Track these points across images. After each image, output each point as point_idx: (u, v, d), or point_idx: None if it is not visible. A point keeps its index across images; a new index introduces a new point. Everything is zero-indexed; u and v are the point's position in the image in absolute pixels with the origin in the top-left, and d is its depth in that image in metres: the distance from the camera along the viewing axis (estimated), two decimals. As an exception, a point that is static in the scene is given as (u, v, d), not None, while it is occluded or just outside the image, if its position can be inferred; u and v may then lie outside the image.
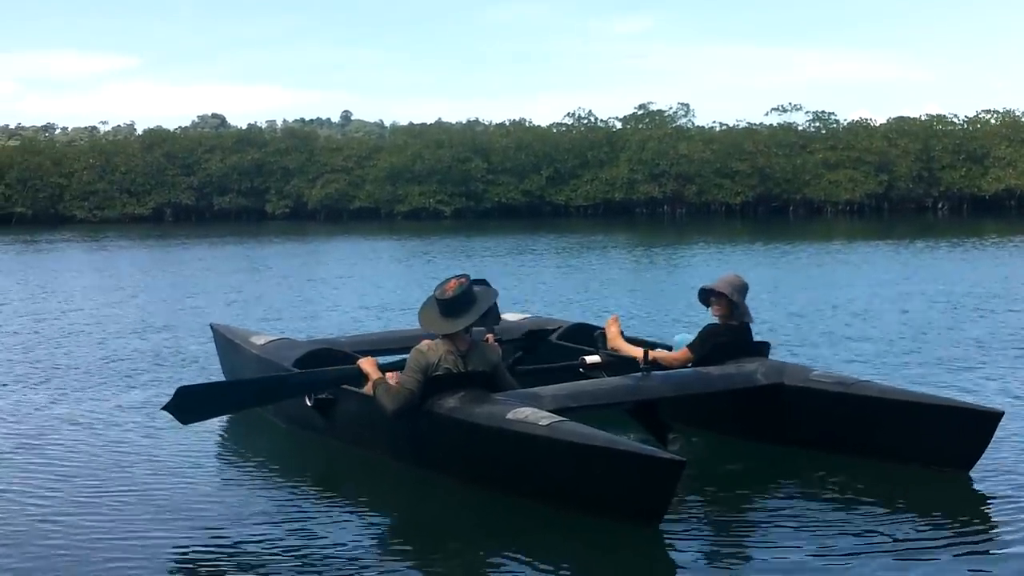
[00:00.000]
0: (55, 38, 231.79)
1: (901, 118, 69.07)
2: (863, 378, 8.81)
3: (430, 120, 75.43)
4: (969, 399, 8.78)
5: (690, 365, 8.67)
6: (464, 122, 78.67)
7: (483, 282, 8.45)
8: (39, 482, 7.82)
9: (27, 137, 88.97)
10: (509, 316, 10.07)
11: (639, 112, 69.10)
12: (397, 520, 7.30)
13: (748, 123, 70.23)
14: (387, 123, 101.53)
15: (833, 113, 69.63)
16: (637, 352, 8.63)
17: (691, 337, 8.98)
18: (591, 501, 6.72)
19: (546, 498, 6.97)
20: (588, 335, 10.08)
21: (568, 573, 6.09)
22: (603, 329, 9.46)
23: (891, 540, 6.35)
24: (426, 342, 7.84)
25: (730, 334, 8.71)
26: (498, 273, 25.87)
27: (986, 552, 6.18)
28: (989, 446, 7.62)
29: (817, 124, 68.91)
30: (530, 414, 7.06)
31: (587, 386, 8.17)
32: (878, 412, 7.92)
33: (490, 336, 8.90)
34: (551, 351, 9.85)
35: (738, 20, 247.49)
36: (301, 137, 71.59)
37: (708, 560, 6.19)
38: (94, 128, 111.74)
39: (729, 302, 8.65)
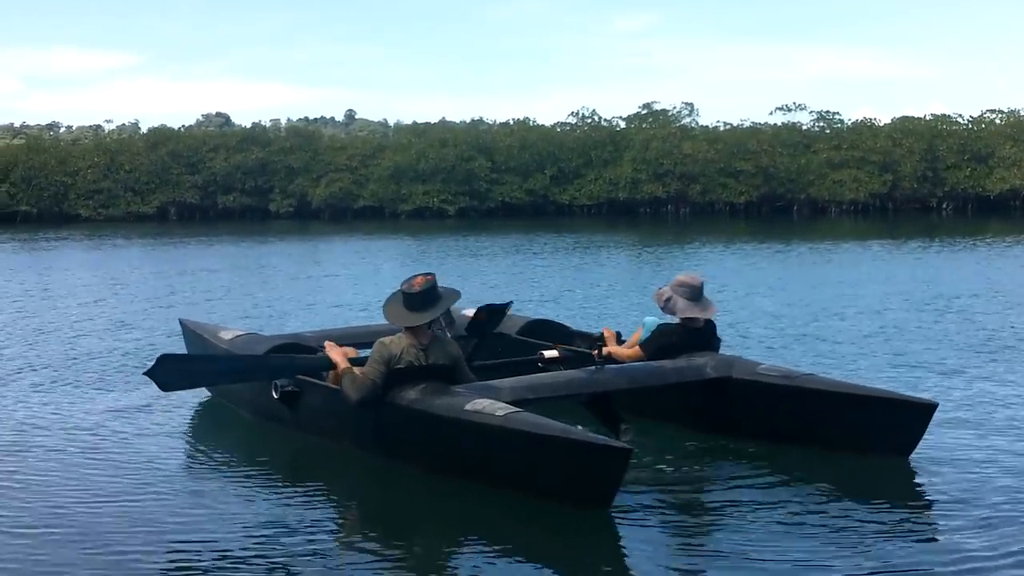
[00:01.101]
0: (58, 35, 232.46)
1: (906, 118, 68.83)
2: (808, 372, 9.21)
3: (434, 119, 75.59)
4: (910, 392, 9.17)
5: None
6: (468, 121, 78.66)
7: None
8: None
9: (32, 135, 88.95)
10: (468, 311, 10.30)
11: (643, 111, 69.00)
12: (361, 508, 7.62)
13: (752, 122, 70.11)
14: (391, 121, 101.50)
15: (837, 112, 69.39)
16: (622, 351, 9.22)
17: (656, 320, 9.47)
18: (544, 487, 7.09)
19: (502, 484, 7.32)
20: (547, 330, 10.67)
21: (522, 555, 6.39)
22: (566, 326, 10.48)
23: (832, 523, 6.72)
24: (389, 336, 8.20)
25: (682, 333, 9.10)
26: (493, 271, 25.89)
27: (922, 531, 6.66)
28: (925, 435, 8.09)
29: (821, 124, 68.67)
30: (487, 405, 7.43)
31: (543, 379, 8.60)
32: (821, 404, 8.30)
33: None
34: (512, 346, 10.32)
35: (742, 17, 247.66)
36: (305, 136, 71.54)
37: (655, 542, 6.56)
38: (99, 126, 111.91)
39: (668, 300, 9.08)
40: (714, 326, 9.30)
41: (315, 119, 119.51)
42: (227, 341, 10.16)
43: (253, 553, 6.44)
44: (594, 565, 6.29)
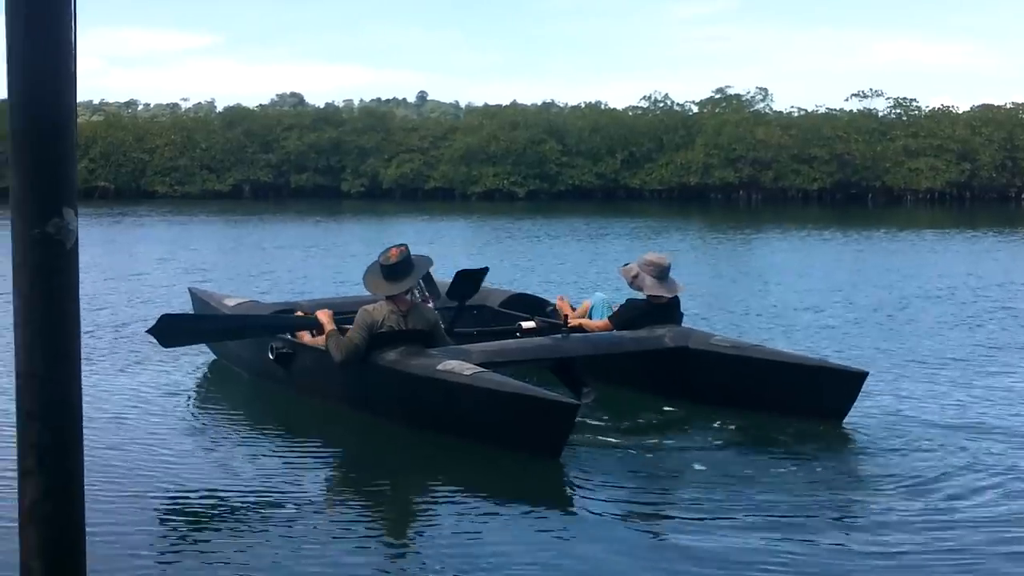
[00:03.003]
0: (138, 16, 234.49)
1: (986, 106, 68.00)
2: (756, 343, 10.22)
3: (505, 101, 75.63)
4: (845, 362, 9.91)
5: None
6: (539, 104, 78.67)
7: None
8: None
9: (111, 112, 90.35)
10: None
11: (716, 96, 68.72)
12: (344, 459, 8.37)
13: (827, 108, 69.52)
14: (463, 104, 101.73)
15: (915, 99, 68.77)
16: (593, 323, 10.10)
17: (604, 296, 10.51)
18: (504, 438, 7.93)
19: (469, 436, 8.15)
20: (527, 304, 11.61)
21: (484, 494, 7.18)
22: (546, 300, 11.33)
23: (770, 478, 7.38)
24: (372, 304, 8.98)
25: (648, 308, 9.83)
26: (561, 254, 25.97)
27: (853, 484, 7.39)
28: (857, 401, 8.83)
29: (898, 111, 67.97)
30: (456, 366, 8.26)
31: (510, 344, 9.44)
32: (766, 372, 9.10)
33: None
34: (494, 317, 11.30)
35: (818, 3, 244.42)
36: (378, 116, 72.12)
37: (601, 487, 7.25)
38: (175, 105, 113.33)
39: (636, 277, 9.85)
40: (678, 302, 9.99)
41: (387, 100, 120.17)
42: (230, 307, 11.01)
43: (247, 499, 7.01)
44: (552, 507, 7.00)
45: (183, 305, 13.73)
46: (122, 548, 6.07)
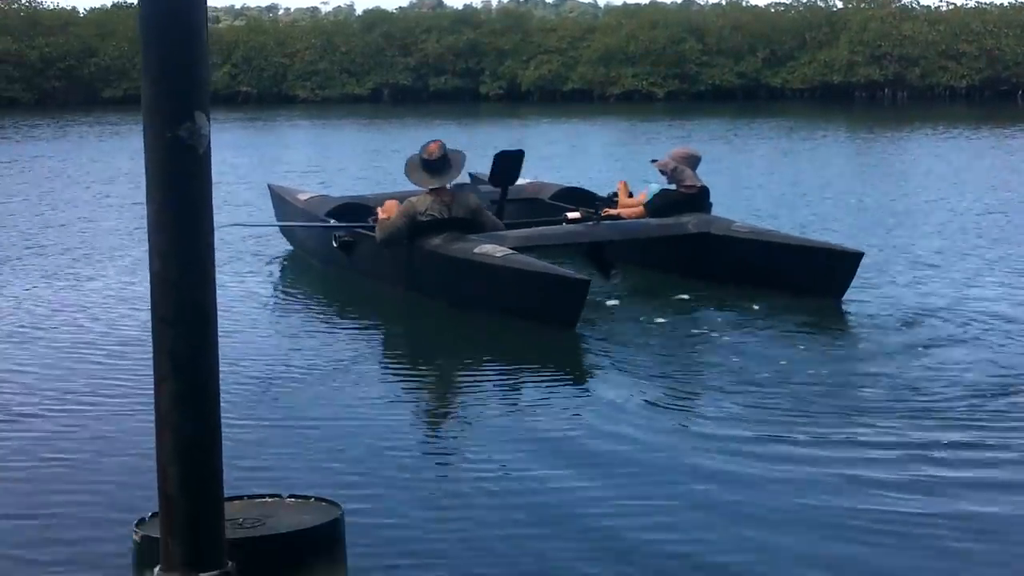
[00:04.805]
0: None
1: None
2: (770, 228, 11.61)
3: (644, 0, 74.14)
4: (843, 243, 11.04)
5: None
6: (679, 2, 77.24)
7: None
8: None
9: (252, 17, 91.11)
10: (520, 180, 12.92)
11: (862, -9, 66.62)
12: (394, 331, 9.97)
13: (977, 2, 66.76)
14: (601, 3, 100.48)
15: (1072, -9, 65.81)
16: (634, 209, 11.16)
17: (658, 186, 11.30)
18: (528, 310, 9.13)
19: (499, 309, 9.36)
20: (577, 197, 12.72)
21: (511, 358, 8.57)
22: (594, 193, 12.47)
23: (775, 346, 8.60)
24: (417, 196, 10.15)
25: (680, 196, 10.91)
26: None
27: (848, 353, 8.54)
28: (855, 280, 10.01)
29: (1054, 3, 65.19)
30: (491, 249, 9.47)
31: (544, 230, 10.65)
32: (778, 254, 10.27)
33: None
34: (544, 208, 12.47)
35: None
36: (516, 17, 71.47)
37: (605, 351, 8.49)
38: (315, 9, 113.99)
39: (675, 170, 10.93)
40: (708, 192, 11.08)
41: (526, 0, 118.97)
42: (302, 201, 12.53)
43: (309, 364, 8.34)
44: (573, 375, 8.32)
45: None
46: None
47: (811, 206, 16.84)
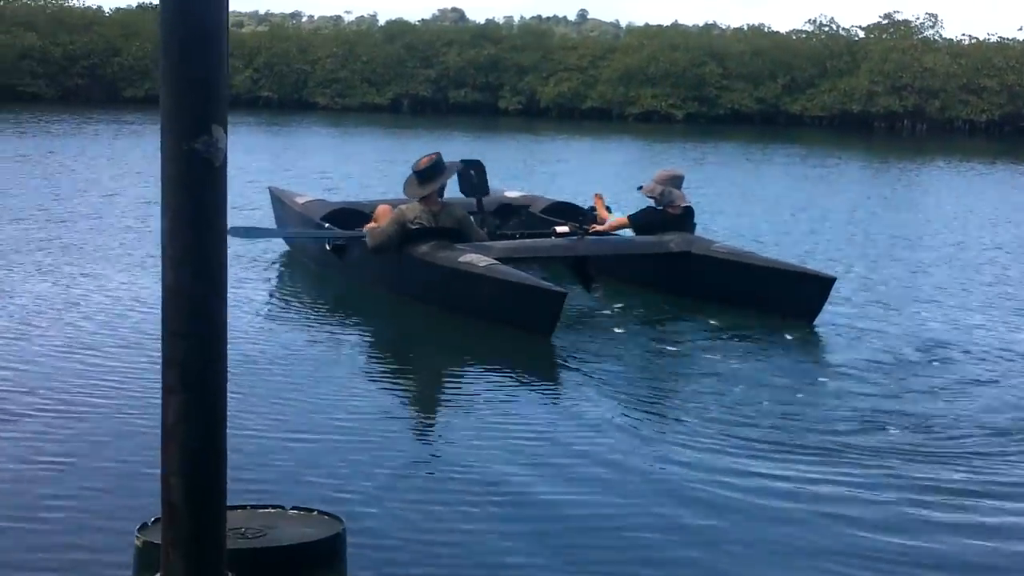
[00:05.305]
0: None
1: None
2: (749, 250, 11.79)
3: (666, 22, 74.42)
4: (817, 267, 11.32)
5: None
6: (700, 25, 77.32)
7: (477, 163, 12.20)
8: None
9: (275, 23, 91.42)
10: (509, 193, 13.93)
11: (883, 21, 66.52)
12: (382, 331, 10.29)
13: (999, 37, 66.77)
14: (623, 23, 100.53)
15: (1095, 30, 65.67)
16: (616, 221, 11.55)
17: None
18: (508, 318, 9.56)
19: (481, 316, 9.79)
20: (566, 211, 12.97)
21: (491, 361, 8.91)
22: (583, 208, 12.39)
23: (751, 361, 8.90)
24: (407, 204, 10.62)
25: (665, 216, 11.22)
26: (717, 179, 25.60)
27: (823, 368, 8.89)
28: (827, 304, 10.25)
29: (1076, 41, 65.03)
30: (475, 259, 9.93)
31: (530, 242, 11.07)
32: (755, 276, 10.51)
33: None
34: (533, 221, 12.80)
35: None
36: (537, 34, 71.65)
37: (583, 361, 8.78)
38: (338, 17, 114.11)
39: (662, 193, 11.20)
40: (692, 213, 11.38)
41: (548, 18, 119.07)
42: (300, 205, 12.95)
43: (299, 360, 8.68)
44: (551, 380, 8.60)
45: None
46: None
47: (815, 232, 16.81)
